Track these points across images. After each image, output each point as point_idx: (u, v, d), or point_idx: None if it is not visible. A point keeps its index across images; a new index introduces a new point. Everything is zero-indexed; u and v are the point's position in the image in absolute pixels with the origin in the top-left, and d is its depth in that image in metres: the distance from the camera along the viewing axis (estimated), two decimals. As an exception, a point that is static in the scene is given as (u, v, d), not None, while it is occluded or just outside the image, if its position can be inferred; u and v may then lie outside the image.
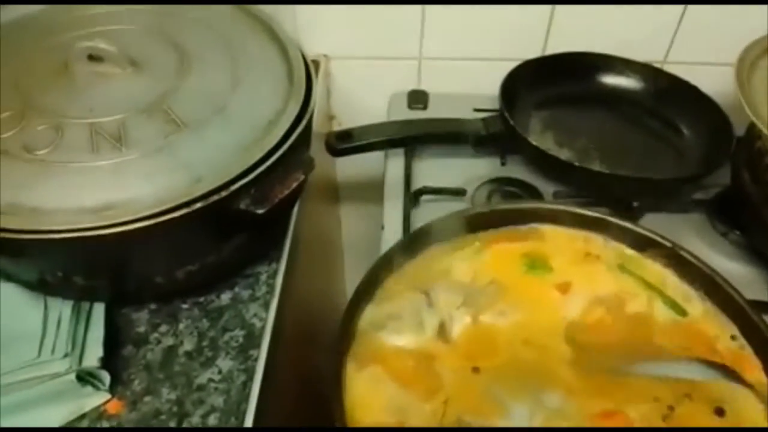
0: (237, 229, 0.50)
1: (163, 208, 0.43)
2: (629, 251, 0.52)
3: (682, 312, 0.49)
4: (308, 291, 0.76)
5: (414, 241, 0.52)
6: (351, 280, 1.19)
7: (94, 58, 0.51)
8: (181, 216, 0.43)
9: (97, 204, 0.44)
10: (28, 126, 0.48)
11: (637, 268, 0.51)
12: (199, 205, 0.44)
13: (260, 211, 0.46)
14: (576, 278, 0.50)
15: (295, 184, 0.48)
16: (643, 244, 0.51)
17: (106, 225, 0.43)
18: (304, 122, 0.51)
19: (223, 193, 0.45)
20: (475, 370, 0.46)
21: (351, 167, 0.94)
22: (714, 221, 0.67)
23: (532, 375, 0.44)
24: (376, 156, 0.76)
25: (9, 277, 0.51)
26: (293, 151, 0.49)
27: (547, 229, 0.53)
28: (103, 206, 0.44)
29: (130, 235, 0.43)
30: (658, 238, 0.51)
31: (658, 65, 0.81)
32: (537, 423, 0.42)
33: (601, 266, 0.51)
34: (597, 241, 0.52)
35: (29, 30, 0.57)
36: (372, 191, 1.02)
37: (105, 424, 0.48)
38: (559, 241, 0.53)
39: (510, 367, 0.45)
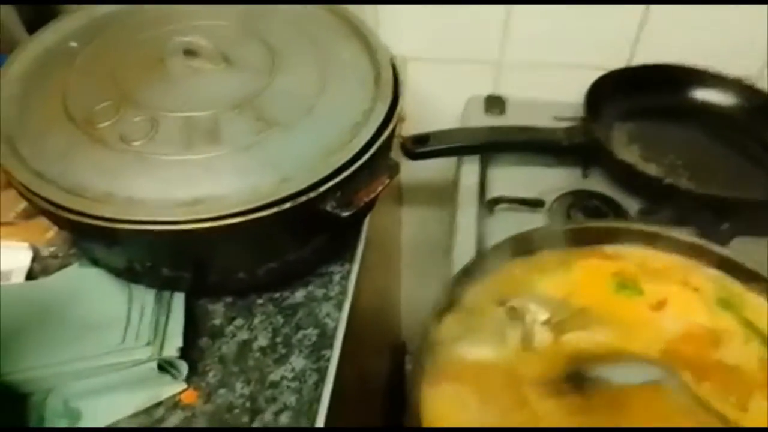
0: (320, 229, 0.51)
1: (253, 206, 0.44)
2: (729, 282, 0.49)
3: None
4: (372, 291, 0.75)
5: (498, 253, 0.51)
6: (406, 282, 1.19)
7: (189, 52, 0.52)
8: (269, 215, 0.44)
9: (188, 197, 0.45)
10: (125, 117, 0.49)
11: (735, 302, 0.48)
12: (287, 205, 0.44)
13: (345, 214, 0.46)
14: (670, 300, 0.48)
15: (380, 188, 0.47)
16: (745, 277, 0.49)
17: (197, 219, 0.43)
18: (391, 126, 0.50)
19: (311, 194, 0.45)
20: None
21: (415, 168, 0.93)
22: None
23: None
24: (441, 159, 0.75)
25: (97, 263, 0.53)
26: (379, 155, 0.49)
27: (639, 250, 0.51)
28: (194, 200, 0.45)
29: (218, 230, 0.43)
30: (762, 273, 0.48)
31: (751, 81, 0.77)
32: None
33: (696, 295, 0.48)
34: (694, 269, 0.50)
35: (125, 23, 0.59)
36: (433, 193, 1.02)
37: (179, 414, 0.48)
38: (650, 264, 0.50)
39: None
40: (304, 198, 0.44)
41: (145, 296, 0.52)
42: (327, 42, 0.57)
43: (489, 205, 0.67)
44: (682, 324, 0.47)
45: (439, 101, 0.85)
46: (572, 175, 0.71)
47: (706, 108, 0.75)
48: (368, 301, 0.68)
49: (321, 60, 0.55)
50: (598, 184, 0.69)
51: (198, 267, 0.50)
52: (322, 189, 0.45)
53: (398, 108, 0.52)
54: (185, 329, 0.51)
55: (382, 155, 0.49)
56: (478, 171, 0.72)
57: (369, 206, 0.48)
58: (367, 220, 0.61)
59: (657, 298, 0.48)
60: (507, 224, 0.65)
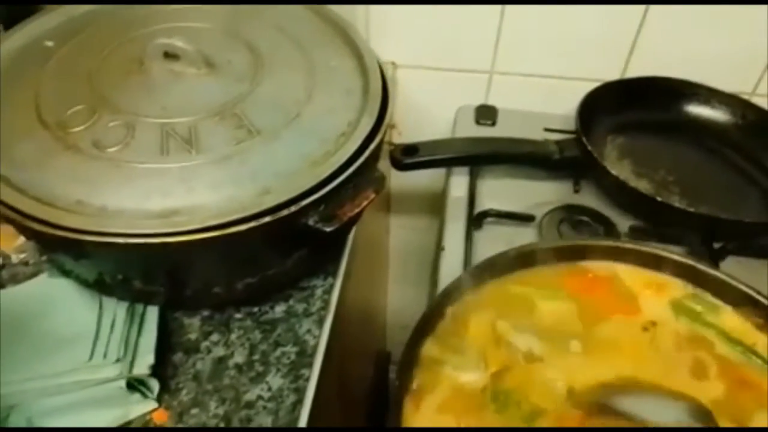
0: (301, 244, 0.48)
1: (230, 219, 0.41)
2: (720, 304, 0.48)
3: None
4: (356, 303, 0.73)
5: (484, 271, 0.49)
6: (393, 290, 1.17)
7: (169, 55, 0.50)
8: (248, 229, 0.42)
9: (163, 208, 0.43)
10: (99, 121, 0.47)
11: (722, 324, 0.47)
12: (267, 218, 0.42)
13: (328, 229, 0.44)
14: (665, 322, 0.46)
15: (365, 203, 0.45)
16: (739, 300, 0.47)
17: (172, 232, 0.41)
18: (378, 137, 0.48)
19: (292, 209, 0.43)
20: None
21: (404, 177, 0.92)
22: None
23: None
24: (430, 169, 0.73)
25: (67, 273, 0.51)
26: (365, 167, 0.47)
27: (627, 269, 0.50)
28: (169, 211, 0.43)
29: (193, 244, 0.41)
30: (760, 298, 0.46)
31: (746, 97, 0.76)
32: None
33: (685, 317, 0.47)
34: (684, 289, 0.49)
35: (105, 23, 0.56)
36: (422, 202, 1.00)
37: (151, 435, 0.46)
38: (641, 283, 0.49)
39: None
40: (285, 212, 0.42)
41: (117, 309, 0.49)
42: (314, 47, 0.55)
43: (478, 218, 0.65)
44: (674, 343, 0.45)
45: (429, 110, 0.84)
46: (563, 189, 0.69)
47: (700, 123, 0.74)
48: (352, 313, 0.66)
49: (307, 67, 0.53)
50: (589, 199, 0.68)
51: (172, 281, 0.47)
52: (305, 203, 0.43)
53: (386, 119, 0.50)
54: (158, 344, 0.49)
55: (369, 168, 0.47)
56: (467, 183, 0.70)
57: (353, 221, 0.46)
58: (353, 231, 0.60)
59: (650, 318, 0.47)
60: (496, 238, 0.64)
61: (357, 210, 0.45)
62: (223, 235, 0.41)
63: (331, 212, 0.44)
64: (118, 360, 0.46)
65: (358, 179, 0.46)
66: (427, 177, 0.90)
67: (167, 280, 0.47)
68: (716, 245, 0.62)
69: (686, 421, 0.41)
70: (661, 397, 0.43)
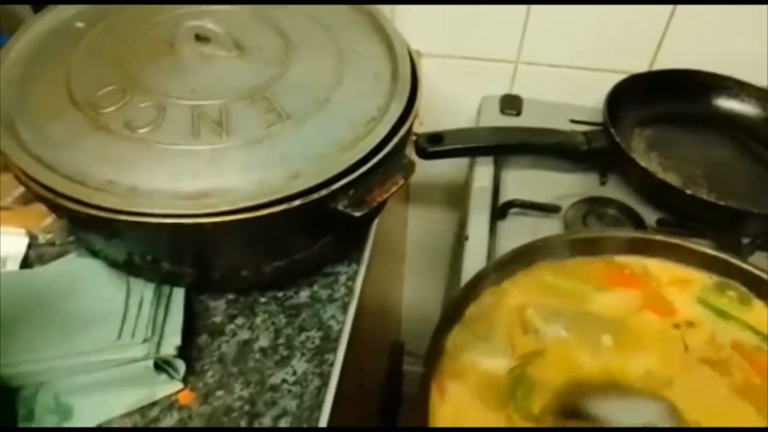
0: (329, 229, 0.48)
1: (261, 201, 0.41)
2: (751, 298, 0.47)
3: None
4: (376, 293, 0.73)
5: (512, 261, 0.48)
6: (408, 282, 1.17)
7: (200, 38, 0.50)
8: (278, 212, 0.42)
9: (194, 190, 0.43)
10: (130, 102, 0.47)
11: (752, 319, 0.46)
12: (297, 202, 0.42)
13: (357, 214, 0.43)
14: (695, 320, 0.46)
15: (394, 189, 0.45)
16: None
17: (204, 213, 0.41)
18: (408, 123, 0.48)
19: (322, 192, 0.42)
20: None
21: (423, 168, 0.91)
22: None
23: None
24: (450, 159, 0.72)
25: (95, 253, 0.51)
26: (395, 153, 0.46)
27: (657, 264, 0.49)
28: (200, 193, 0.43)
29: (223, 226, 0.41)
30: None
31: (776, 91, 0.74)
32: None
33: (714, 313, 0.47)
34: (714, 283, 0.48)
35: (135, 5, 0.56)
36: (440, 194, 1.00)
37: (175, 415, 0.46)
38: (672, 278, 0.48)
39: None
40: (315, 196, 0.42)
41: (144, 290, 0.49)
42: (343, 33, 0.55)
43: (502, 208, 0.65)
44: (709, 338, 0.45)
45: (453, 99, 0.83)
46: (589, 181, 0.69)
47: (729, 116, 0.73)
48: (372, 302, 0.66)
49: (336, 52, 0.53)
50: (615, 191, 0.67)
51: (201, 263, 0.47)
52: (334, 187, 0.43)
53: (416, 104, 0.50)
54: (184, 326, 0.49)
55: (398, 153, 0.47)
56: (491, 173, 0.70)
57: (381, 206, 0.46)
58: (376, 219, 0.59)
59: (684, 317, 0.46)
60: (521, 229, 0.63)
61: (386, 195, 0.45)
62: (253, 217, 0.41)
63: (360, 197, 0.44)
64: (145, 340, 0.46)
65: (387, 165, 0.45)
66: (447, 168, 0.89)
67: (196, 261, 0.47)
68: (744, 240, 0.61)
69: (653, 422, 0.41)
70: (635, 399, 0.43)
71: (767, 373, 0.43)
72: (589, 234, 0.51)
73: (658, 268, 0.49)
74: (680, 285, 0.48)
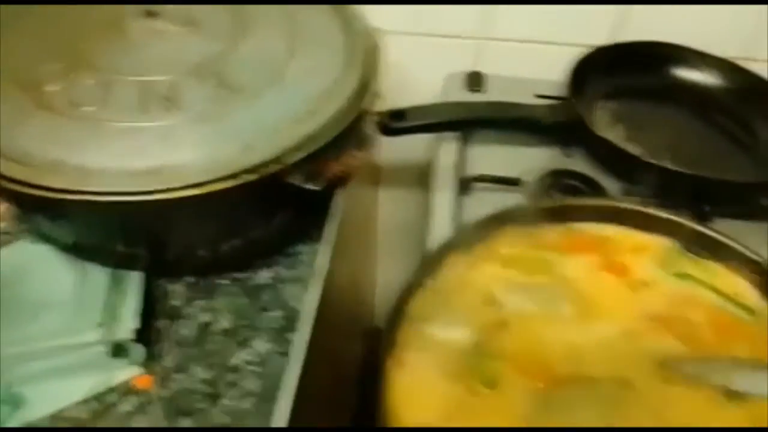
0: (286, 204, 0.47)
1: (214, 177, 0.40)
2: (710, 262, 0.47)
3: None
4: (344, 274, 0.73)
5: (474, 232, 0.48)
6: (382, 265, 1.17)
7: (150, 13, 0.48)
8: (231, 187, 0.41)
9: (144, 167, 0.42)
10: (77, 80, 0.45)
11: (715, 280, 0.47)
12: (251, 176, 0.41)
13: (314, 188, 0.43)
14: (653, 281, 0.46)
15: (352, 162, 0.44)
16: (729, 257, 0.47)
17: (154, 191, 0.40)
18: (365, 95, 0.47)
19: (277, 166, 0.41)
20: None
21: (392, 149, 0.90)
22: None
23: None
24: (419, 138, 0.72)
25: (47, 239, 0.49)
26: (352, 126, 0.46)
27: (617, 230, 0.49)
28: (150, 170, 0.42)
29: (175, 203, 0.40)
30: (749, 253, 0.46)
31: (737, 61, 0.75)
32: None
33: (675, 276, 0.47)
34: (673, 248, 0.48)
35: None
36: (412, 175, 0.99)
37: (134, 400, 0.45)
38: (631, 243, 0.48)
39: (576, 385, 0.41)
40: (268, 170, 0.41)
41: (99, 275, 0.48)
42: (298, 9, 0.53)
43: (466, 183, 0.64)
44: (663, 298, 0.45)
45: (417, 78, 0.82)
46: (554, 155, 0.69)
47: (692, 88, 0.73)
48: (340, 283, 0.65)
49: (290, 25, 0.51)
50: (579, 164, 0.67)
51: (155, 243, 0.46)
52: (289, 160, 0.42)
53: (373, 76, 0.49)
54: (142, 311, 0.48)
55: (355, 126, 0.46)
56: (456, 149, 0.69)
57: (340, 181, 0.45)
58: (339, 198, 0.58)
59: (640, 276, 0.47)
60: (485, 204, 0.62)
61: (343, 169, 0.44)
62: (205, 193, 0.40)
63: (316, 171, 0.43)
64: (100, 325, 0.45)
65: (344, 138, 0.45)
66: (418, 150, 0.88)
67: (149, 242, 0.46)
68: (706, 208, 0.62)
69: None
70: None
71: (723, 330, 0.43)
72: (549, 203, 0.51)
73: (619, 234, 0.49)
74: (639, 250, 0.48)
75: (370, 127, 0.53)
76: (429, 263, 0.46)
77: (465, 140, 0.70)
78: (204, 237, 0.47)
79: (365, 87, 0.48)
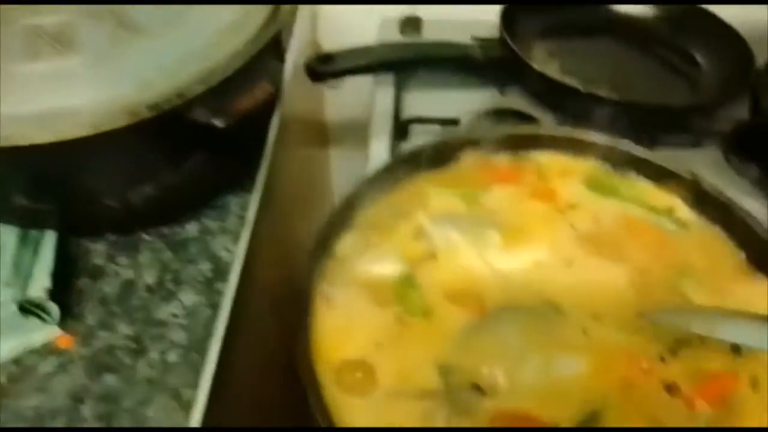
0: (195, 145, 0.45)
1: (108, 116, 0.38)
2: (640, 181, 0.47)
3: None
4: (289, 233, 0.71)
5: (398, 167, 0.47)
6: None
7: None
8: (129, 126, 0.38)
9: (35, 112, 0.39)
10: (-40, 27, 0.42)
11: (645, 197, 0.46)
12: (149, 113, 0.39)
13: (220, 124, 0.41)
14: (581, 202, 0.45)
15: (261, 96, 0.42)
16: (659, 175, 0.46)
17: (47, 134, 0.37)
18: (271, 28, 0.45)
19: (176, 102, 0.39)
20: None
21: (339, 108, 0.88)
22: (729, 156, 0.61)
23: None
24: (368, 95, 0.70)
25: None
26: (260, 59, 0.43)
27: (544, 156, 0.48)
28: (44, 115, 0.39)
29: (71, 146, 0.38)
30: (678, 170, 0.45)
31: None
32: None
33: (601, 193, 0.46)
34: (600, 168, 0.48)
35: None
36: (364, 132, 0.97)
37: (53, 360, 0.44)
38: (560, 168, 0.47)
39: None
40: (167, 106, 0.39)
41: (7, 236, 0.46)
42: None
43: (402, 126, 0.63)
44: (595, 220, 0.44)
45: (352, 23, 0.80)
46: (491, 95, 0.67)
47: (626, 20, 0.72)
48: (277, 235, 0.63)
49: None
50: (516, 102, 0.65)
51: (57, 195, 0.44)
52: (189, 95, 0.39)
53: (280, 9, 0.46)
54: (60, 270, 0.46)
55: (262, 60, 0.44)
56: (392, 94, 0.67)
57: (252, 118, 0.43)
58: (270, 148, 0.56)
59: (569, 201, 0.46)
60: (422, 147, 0.61)
61: (252, 103, 0.42)
62: (100, 133, 0.38)
63: (221, 107, 0.41)
64: (8, 284, 0.43)
65: (249, 71, 0.42)
66: (364, 104, 0.86)
67: (51, 194, 0.44)
68: (649, 138, 0.61)
69: None
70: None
71: (656, 245, 0.43)
72: (473, 134, 0.49)
73: (547, 161, 0.48)
74: (567, 174, 0.47)
75: (296, 80, 0.51)
76: (351, 200, 0.44)
77: (401, 85, 0.68)
78: (108, 184, 0.45)
79: (274, 17, 0.45)
